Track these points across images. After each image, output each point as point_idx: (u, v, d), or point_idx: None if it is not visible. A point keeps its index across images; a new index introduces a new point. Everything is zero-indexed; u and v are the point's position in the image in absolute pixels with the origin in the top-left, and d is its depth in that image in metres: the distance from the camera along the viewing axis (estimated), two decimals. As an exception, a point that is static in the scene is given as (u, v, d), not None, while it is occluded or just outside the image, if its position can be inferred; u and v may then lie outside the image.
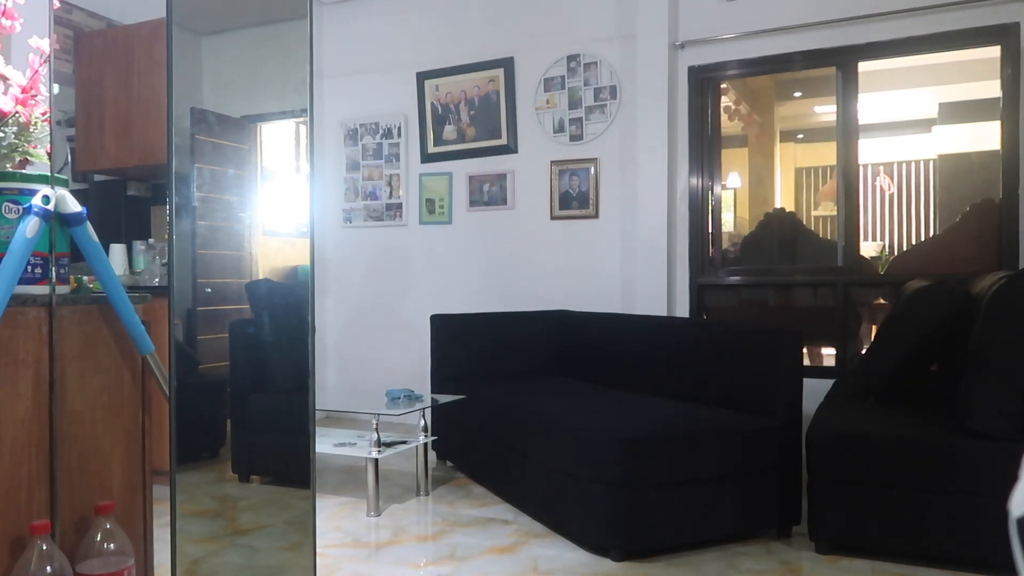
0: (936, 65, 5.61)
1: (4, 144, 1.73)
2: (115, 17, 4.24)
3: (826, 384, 3.50)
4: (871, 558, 2.49)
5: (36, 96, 1.77)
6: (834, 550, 2.55)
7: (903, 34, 3.70)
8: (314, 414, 1.81)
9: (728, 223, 6.51)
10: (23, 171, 1.71)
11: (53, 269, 1.67)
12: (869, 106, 5.38)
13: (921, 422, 2.55)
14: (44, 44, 1.76)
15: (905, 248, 7.64)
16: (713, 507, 2.61)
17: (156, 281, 3.82)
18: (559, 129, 4.49)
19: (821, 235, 7.11)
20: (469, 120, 4.76)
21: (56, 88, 1.83)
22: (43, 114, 1.80)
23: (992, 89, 3.77)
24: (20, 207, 1.63)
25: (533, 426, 2.97)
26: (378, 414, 3.17)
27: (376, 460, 3.07)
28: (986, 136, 5.38)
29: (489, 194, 4.71)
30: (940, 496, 2.36)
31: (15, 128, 1.75)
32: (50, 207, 1.62)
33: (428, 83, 4.85)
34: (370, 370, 5.00)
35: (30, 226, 1.57)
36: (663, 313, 4.12)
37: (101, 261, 1.74)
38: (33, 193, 1.63)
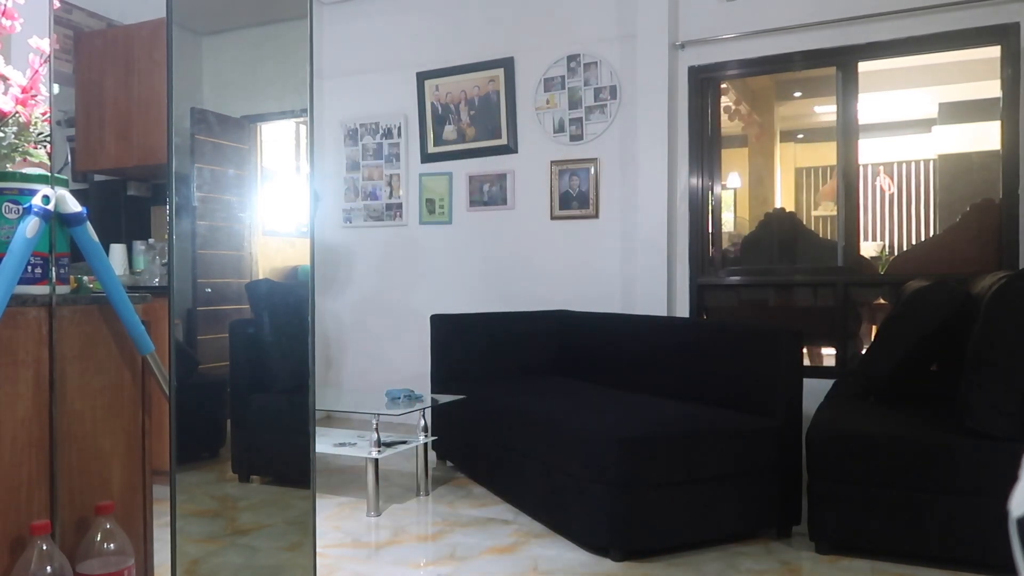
0: (936, 65, 5.61)
1: (4, 144, 1.73)
2: (115, 17, 4.24)
3: (826, 384, 3.50)
4: (871, 558, 2.49)
5: (36, 96, 1.77)
6: (834, 550, 2.55)
7: (903, 34, 3.70)
8: (314, 414, 1.81)
9: (728, 223, 6.51)
10: (23, 171, 1.71)
11: (53, 269, 1.67)
12: (869, 106, 5.38)
13: (921, 422, 2.55)
14: (44, 44, 1.76)
15: (905, 248, 7.64)
16: (713, 507, 2.61)
17: (156, 281, 3.82)
18: (559, 129, 4.49)
19: (821, 235, 7.11)
20: (469, 120, 4.76)
21: (56, 88, 1.83)
22: (43, 114, 1.80)
23: (992, 89, 3.77)
24: (20, 207, 1.63)
25: (533, 426, 2.97)
26: (378, 414, 3.17)
27: (376, 460, 3.07)
28: (986, 136, 5.38)
29: (489, 194, 4.71)
30: (940, 496, 2.36)
31: (15, 128, 1.75)
32: (50, 207, 1.62)
33: (428, 83, 4.85)
34: (370, 370, 5.00)
35: (30, 226, 1.57)
36: (663, 313, 4.12)
37: (101, 261, 1.74)
38: (33, 193, 1.63)
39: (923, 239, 7.59)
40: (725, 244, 4.88)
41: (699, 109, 4.18)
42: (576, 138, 4.44)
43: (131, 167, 4.00)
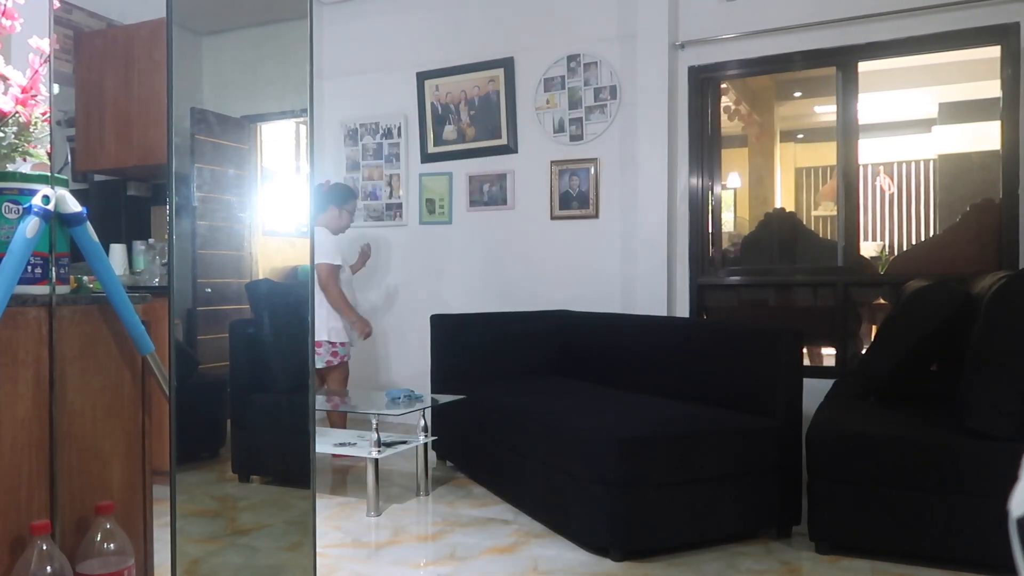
0: (936, 65, 5.61)
1: (4, 144, 1.73)
2: (115, 17, 4.24)
3: (826, 384, 3.50)
4: (871, 558, 2.49)
5: (36, 96, 1.77)
6: (834, 550, 2.55)
7: (903, 34, 3.70)
8: (314, 414, 1.81)
9: (728, 223, 6.51)
10: (23, 171, 1.71)
11: (53, 269, 1.67)
12: (869, 106, 5.38)
13: (921, 422, 2.55)
14: (44, 44, 1.76)
15: (905, 248, 7.64)
16: (713, 507, 2.61)
17: (156, 281, 3.82)
18: (559, 129, 4.49)
19: (821, 235, 7.11)
20: (469, 120, 4.76)
21: (56, 88, 1.83)
22: (43, 114, 1.80)
23: (992, 89, 3.77)
24: (20, 207, 1.63)
25: (533, 426, 2.97)
26: (378, 414, 3.17)
27: (376, 460, 3.07)
28: (986, 136, 5.38)
29: (489, 194, 4.71)
30: (940, 496, 2.36)
31: (15, 128, 1.75)
32: (50, 207, 1.62)
33: (428, 83, 4.85)
34: (370, 370, 5.00)
35: (30, 226, 1.57)
36: (663, 313, 4.12)
37: (101, 261, 1.74)
38: (33, 193, 1.63)
39: (923, 239, 7.59)
40: (725, 244, 4.88)
41: (699, 109, 4.18)
42: (576, 138, 4.44)
43: (131, 167, 3.99)
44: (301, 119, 4.67)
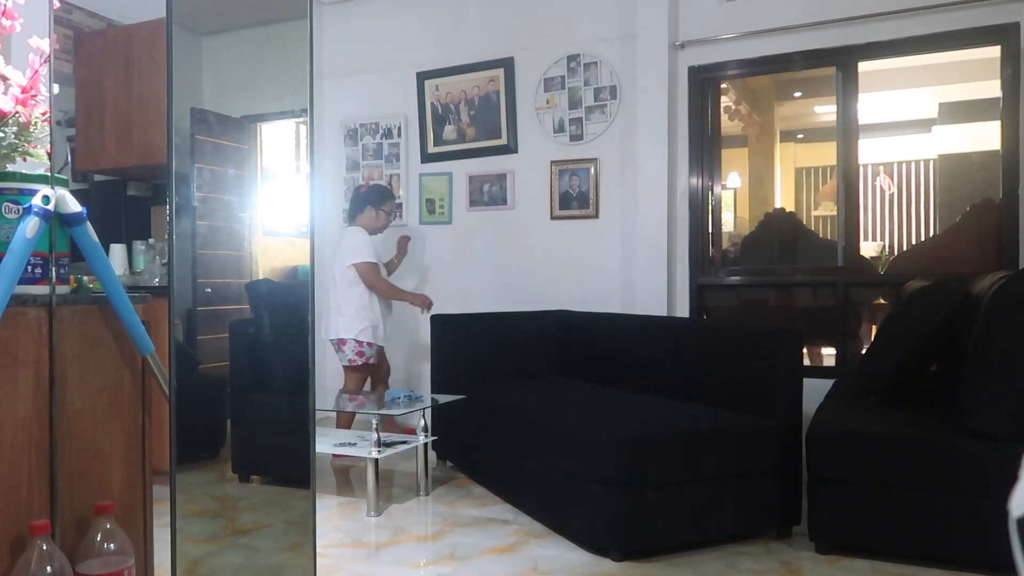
0: (936, 65, 5.61)
1: (4, 144, 1.73)
2: (115, 17, 4.24)
3: (826, 384, 3.49)
4: (871, 558, 2.49)
5: (36, 96, 1.77)
6: (834, 550, 2.55)
7: (903, 34, 3.70)
8: (314, 414, 1.81)
9: (728, 223, 6.51)
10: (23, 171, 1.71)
11: (53, 269, 1.67)
12: (869, 106, 5.38)
13: (921, 422, 2.55)
14: (44, 44, 1.76)
15: (905, 248, 7.64)
16: (713, 507, 2.61)
17: (156, 281, 3.82)
18: (559, 129, 4.49)
19: (821, 235, 7.11)
20: (469, 120, 4.76)
21: (56, 88, 1.83)
22: (43, 114, 1.80)
23: (992, 89, 3.77)
24: (20, 207, 1.63)
25: (533, 426, 2.97)
26: (378, 414, 3.17)
27: (376, 460, 3.07)
28: (986, 136, 5.38)
29: (489, 194, 4.71)
30: (940, 496, 2.36)
31: (15, 128, 1.75)
32: (50, 207, 1.62)
33: (428, 83, 4.85)
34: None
35: (30, 226, 1.57)
36: (663, 313, 4.11)
37: (101, 261, 1.74)
38: (33, 193, 1.63)
39: (923, 239, 7.59)
40: (725, 244, 4.88)
41: (699, 109, 4.18)
42: (576, 138, 4.44)
43: (131, 167, 3.99)
44: (301, 119, 4.67)
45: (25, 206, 1.62)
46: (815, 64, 3.99)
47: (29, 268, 1.61)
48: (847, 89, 3.89)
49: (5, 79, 1.75)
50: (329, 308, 4.04)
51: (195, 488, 2.01)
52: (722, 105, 4.48)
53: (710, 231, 4.24)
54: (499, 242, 4.68)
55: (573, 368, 3.97)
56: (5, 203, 1.63)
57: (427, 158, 4.89)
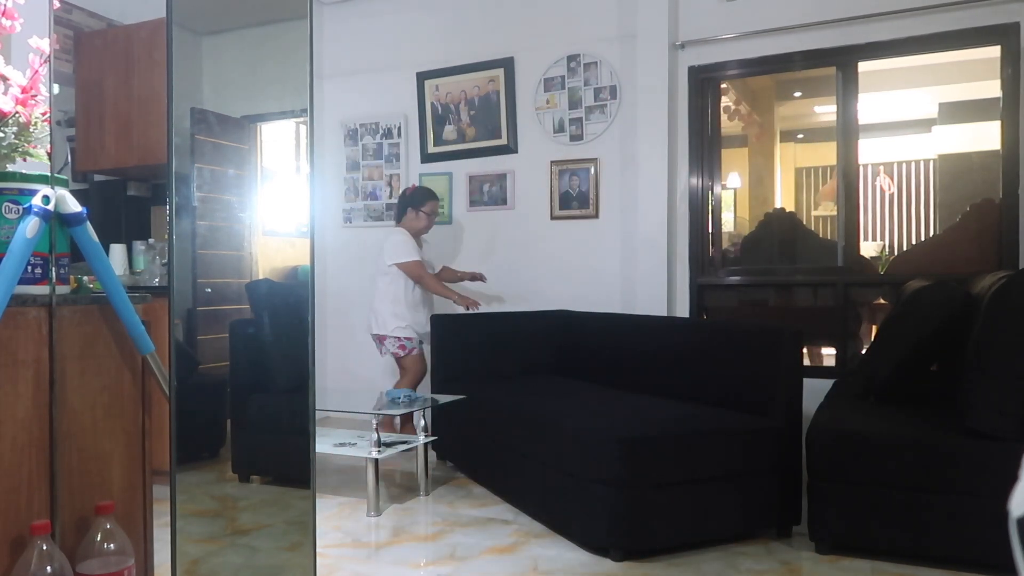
0: (936, 65, 5.61)
1: (4, 144, 1.73)
2: (115, 17, 4.24)
3: (826, 384, 3.49)
4: (871, 558, 2.49)
5: (36, 96, 1.77)
6: (834, 550, 2.55)
7: (903, 34, 3.70)
8: (314, 414, 1.81)
9: (728, 223, 6.51)
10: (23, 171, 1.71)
11: (53, 269, 1.67)
12: (869, 106, 5.37)
13: (921, 422, 2.55)
14: (44, 44, 1.76)
15: (905, 248, 7.64)
16: (713, 507, 2.61)
17: (156, 281, 3.82)
18: (559, 129, 4.49)
19: (821, 235, 7.10)
20: (469, 120, 4.76)
21: (56, 88, 1.83)
22: (43, 114, 1.80)
23: (992, 89, 3.77)
24: (20, 207, 1.63)
25: (533, 426, 2.97)
26: (378, 414, 3.17)
27: (376, 460, 3.07)
28: (986, 136, 5.38)
29: (489, 194, 4.71)
30: (940, 496, 2.36)
31: (15, 128, 1.75)
32: (50, 207, 1.62)
33: (428, 83, 4.85)
34: (370, 370, 4.99)
35: (30, 226, 1.57)
36: (663, 313, 4.11)
37: (101, 261, 1.74)
38: (33, 193, 1.63)
39: (923, 239, 7.58)
40: (725, 244, 4.88)
41: (699, 109, 4.18)
42: (576, 138, 4.44)
43: (131, 167, 3.99)
44: (301, 119, 4.67)
45: (25, 206, 1.62)
46: (815, 64, 3.99)
47: (29, 268, 1.61)
48: (847, 89, 3.89)
49: (5, 79, 1.75)
50: (371, 306, 4.21)
51: (195, 488, 2.01)
52: (722, 105, 4.48)
53: (710, 231, 4.24)
54: (499, 242, 4.68)
55: (573, 368, 3.97)
56: (5, 203, 1.63)
57: (427, 158, 4.89)
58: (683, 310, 4.20)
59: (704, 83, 4.18)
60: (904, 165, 7.87)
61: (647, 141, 4.19)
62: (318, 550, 1.92)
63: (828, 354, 4.81)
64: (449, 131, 4.81)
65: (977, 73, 5.29)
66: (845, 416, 2.71)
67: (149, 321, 1.84)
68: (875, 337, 3.21)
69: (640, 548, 2.55)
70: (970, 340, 2.47)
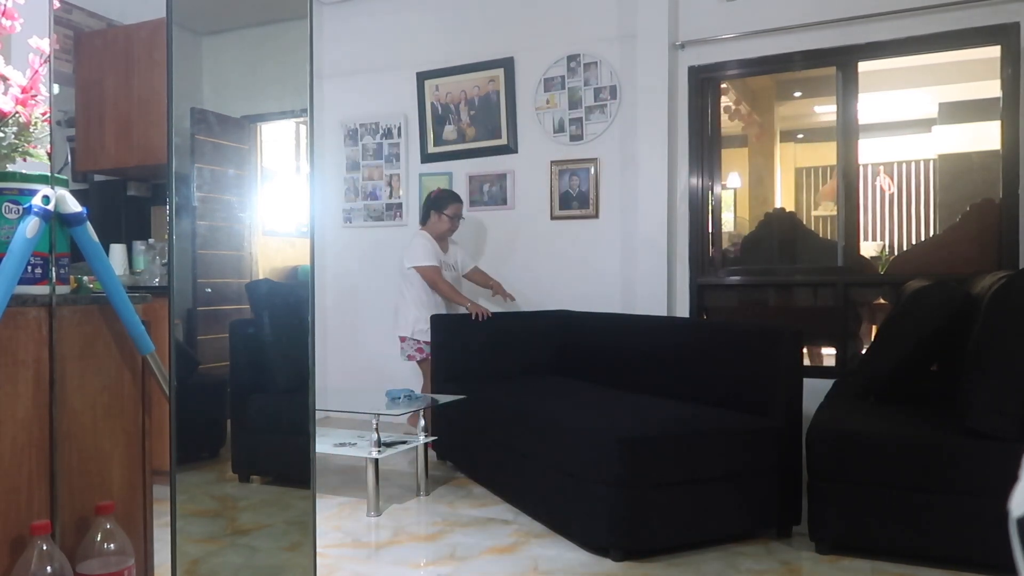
0: (936, 65, 5.61)
1: (4, 144, 1.73)
2: (115, 17, 4.24)
3: (826, 384, 3.49)
4: (871, 558, 2.49)
5: (36, 96, 1.77)
6: (834, 550, 2.55)
7: (903, 34, 3.70)
8: (314, 414, 1.81)
9: (728, 223, 6.51)
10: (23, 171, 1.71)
11: (53, 269, 1.67)
12: (869, 106, 5.37)
13: (921, 422, 2.55)
14: (44, 44, 1.76)
15: (905, 248, 7.64)
16: (713, 507, 2.61)
17: (156, 281, 3.82)
18: (559, 129, 4.49)
19: (821, 235, 7.10)
20: (469, 120, 4.76)
21: (56, 88, 1.83)
22: (43, 114, 1.80)
23: (992, 89, 3.77)
24: (20, 207, 1.63)
25: (533, 426, 2.97)
26: (378, 414, 3.17)
27: (376, 460, 3.07)
28: (986, 136, 5.37)
29: (489, 194, 4.71)
30: (940, 496, 2.36)
31: (15, 128, 1.75)
32: (50, 207, 1.62)
33: (428, 83, 4.85)
34: (370, 370, 5.00)
35: (30, 226, 1.57)
36: (663, 313, 4.11)
37: (101, 261, 1.74)
38: (33, 193, 1.63)
39: (923, 239, 7.58)
40: (725, 244, 4.88)
41: (699, 109, 4.18)
42: (576, 138, 4.44)
43: (131, 167, 3.99)
44: (301, 119, 4.67)
45: (25, 206, 1.62)
46: (815, 64, 3.99)
47: (29, 268, 1.61)
48: (847, 89, 3.89)
49: (5, 79, 1.75)
50: (395, 307, 4.28)
51: (195, 488, 2.01)
52: (722, 105, 4.48)
53: (710, 231, 4.24)
54: (499, 242, 4.68)
55: (573, 368, 3.97)
56: (5, 203, 1.63)
57: (427, 158, 4.89)
58: (683, 310, 4.20)
59: (704, 83, 4.18)
60: (904, 165, 7.87)
61: (647, 141, 4.19)
62: (318, 550, 1.92)
63: (828, 354, 4.81)
64: (449, 131, 4.81)
65: (977, 73, 5.29)
66: (845, 416, 2.71)
67: (149, 321, 1.84)
68: (875, 337, 3.21)
69: (640, 548, 2.55)
70: (970, 340, 2.47)
